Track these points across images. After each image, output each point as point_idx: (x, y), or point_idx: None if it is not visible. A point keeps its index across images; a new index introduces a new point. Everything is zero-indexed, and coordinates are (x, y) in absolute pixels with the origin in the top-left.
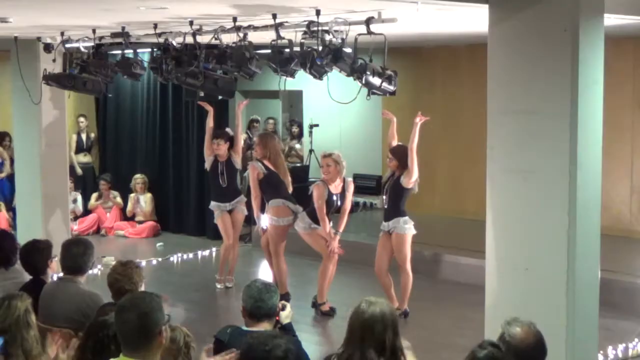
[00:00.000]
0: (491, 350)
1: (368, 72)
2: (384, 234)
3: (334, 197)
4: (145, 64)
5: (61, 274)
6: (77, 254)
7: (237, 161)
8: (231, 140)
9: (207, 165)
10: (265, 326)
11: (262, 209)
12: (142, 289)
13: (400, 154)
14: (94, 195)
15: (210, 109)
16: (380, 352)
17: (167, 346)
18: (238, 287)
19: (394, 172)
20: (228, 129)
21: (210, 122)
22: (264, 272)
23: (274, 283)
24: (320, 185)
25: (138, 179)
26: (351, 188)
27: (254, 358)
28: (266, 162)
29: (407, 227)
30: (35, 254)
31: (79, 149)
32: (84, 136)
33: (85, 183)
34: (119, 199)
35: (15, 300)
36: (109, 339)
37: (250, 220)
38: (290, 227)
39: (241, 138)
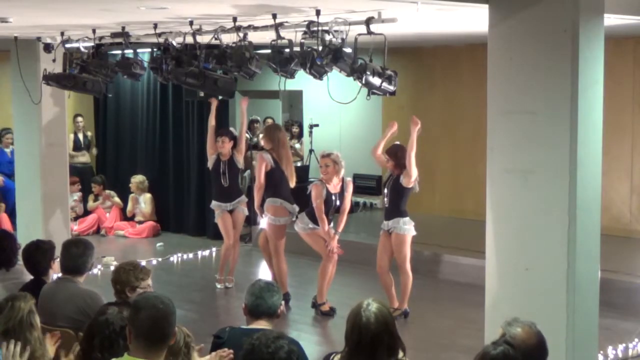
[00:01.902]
0: (507, 348)
1: (368, 72)
2: (384, 233)
3: (333, 197)
4: (145, 64)
5: (61, 274)
6: (76, 255)
7: (240, 160)
8: (235, 140)
9: (210, 164)
10: (263, 324)
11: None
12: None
13: (395, 154)
14: (92, 196)
15: (214, 103)
16: (379, 355)
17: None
18: (238, 287)
19: (392, 172)
20: (232, 129)
21: (212, 120)
22: (264, 272)
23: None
24: (319, 184)
25: (132, 179)
26: (350, 188)
27: None
28: (274, 155)
29: (407, 228)
30: (39, 255)
31: (77, 148)
32: (80, 135)
33: (83, 183)
34: (117, 199)
35: (18, 302)
36: (116, 334)
37: (250, 220)
38: (287, 225)
39: (244, 137)
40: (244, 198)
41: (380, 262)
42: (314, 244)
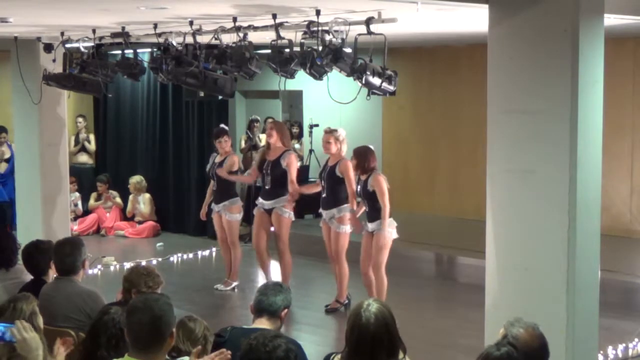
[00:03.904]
0: (511, 349)
1: (368, 72)
2: (367, 233)
3: (327, 171)
4: (145, 64)
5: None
6: (64, 256)
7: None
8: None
9: (207, 166)
10: (264, 322)
11: (273, 195)
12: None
13: (358, 155)
14: (93, 196)
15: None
16: (379, 355)
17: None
18: (239, 287)
19: (359, 176)
20: (223, 125)
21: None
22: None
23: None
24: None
25: (130, 180)
26: (343, 167)
27: (255, 359)
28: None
29: (390, 230)
30: (38, 255)
31: (77, 149)
32: (82, 136)
33: (82, 183)
34: (118, 199)
35: (20, 303)
36: (122, 332)
37: (250, 220)
38: None
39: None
40: (232, 201)
41: (364, 265)
42: (326, 238)
